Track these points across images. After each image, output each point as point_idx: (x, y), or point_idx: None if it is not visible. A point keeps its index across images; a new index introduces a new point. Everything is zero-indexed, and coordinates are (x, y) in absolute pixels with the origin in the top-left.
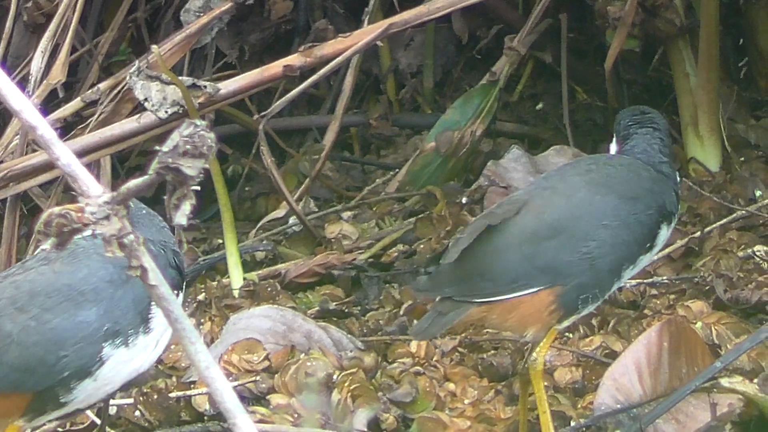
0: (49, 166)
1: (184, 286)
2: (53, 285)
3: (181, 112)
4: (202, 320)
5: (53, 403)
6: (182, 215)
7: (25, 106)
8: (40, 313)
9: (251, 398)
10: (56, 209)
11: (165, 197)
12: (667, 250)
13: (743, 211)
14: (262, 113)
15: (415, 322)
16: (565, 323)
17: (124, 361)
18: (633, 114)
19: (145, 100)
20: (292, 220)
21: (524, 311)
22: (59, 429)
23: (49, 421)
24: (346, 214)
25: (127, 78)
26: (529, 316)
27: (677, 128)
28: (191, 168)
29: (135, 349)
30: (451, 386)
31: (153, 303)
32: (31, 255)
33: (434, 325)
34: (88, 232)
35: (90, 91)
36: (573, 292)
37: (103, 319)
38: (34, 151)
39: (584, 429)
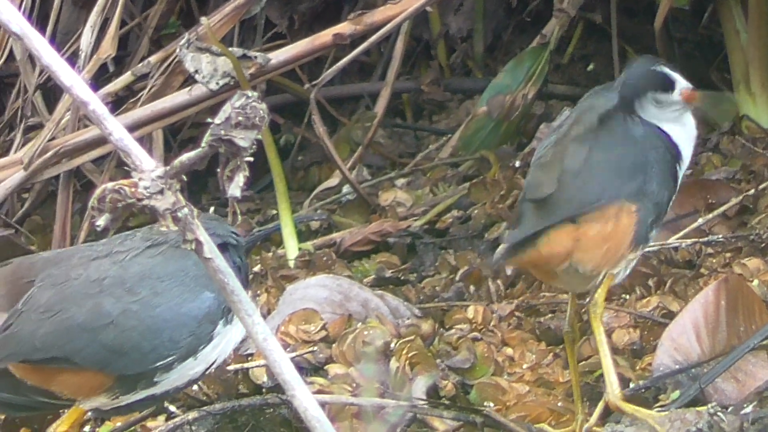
0: (101, 141)
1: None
2: (167, 267)
3: (232, 83)
4: (259, 292)
5: (145, 382)
6: (236, 187)
7: (75, 82)
8: (148, 296)
9: (309, 369)
10: (110, 184)
11: (218, 169)
12: (722, 209)
13: None
14: (313, 82)
15: (471, 287)
16: (636, 254)
17: (218, 345)
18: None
19: (196, 72)
20: (345, 188)
21: (606, 232)
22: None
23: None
24: (400, 181)
25: (177, 51)
26: (610, 238)
27: (729, 86)
28: (244, 139)
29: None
30: (509, 351)
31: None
32: (100, 234)
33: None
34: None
35: (140, 64)
36: (647, 212)
37: (211, 304)
38: (86, 126)
39: (643, 390)
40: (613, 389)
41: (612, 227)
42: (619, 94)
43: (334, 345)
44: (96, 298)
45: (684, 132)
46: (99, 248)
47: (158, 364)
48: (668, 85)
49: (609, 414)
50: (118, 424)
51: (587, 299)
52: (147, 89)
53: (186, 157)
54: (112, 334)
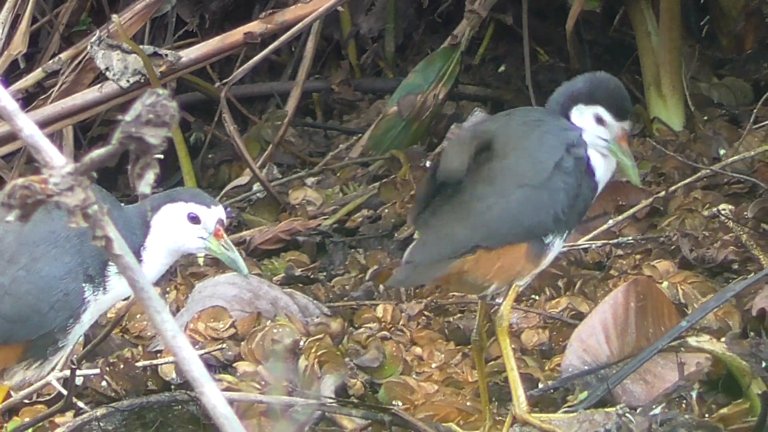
0: (11, 137)
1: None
2: (37, 233)
3: (142, 81)
4: (168, 289)
5: (53, 346)
6: (146, 184)
7: None
8: (30, 262)
9: (218, 366)
10: (19, 180)
11: (128, 167)
12: (632, 210)
13: (707, 170)
14: (224, 81)
15: (381, 287)
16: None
17: (105, 301)
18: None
19: (107, 69)
20: (255, 186)
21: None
22: (26, 401)
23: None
24: (310, 180)
25: (88, 48)
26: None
27: (640, 88)
28: (154, 137)
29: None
30: (418, 350)
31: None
32: None
33: (415, 275)
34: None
35: (51, 61)
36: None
37: (85, 260)
38: None
39: (552, 391)
40: (519, 402)
41: (507, 258)
42: (564, 92)
43: (242, 343)
44: None
45: (605, 162)
46: None
47: (58, 322)
48: (620, 112)
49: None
50: (26, 419)
51: (494, 308)
52: (58, 86)
53: (96, 154)
54: (9, 304)
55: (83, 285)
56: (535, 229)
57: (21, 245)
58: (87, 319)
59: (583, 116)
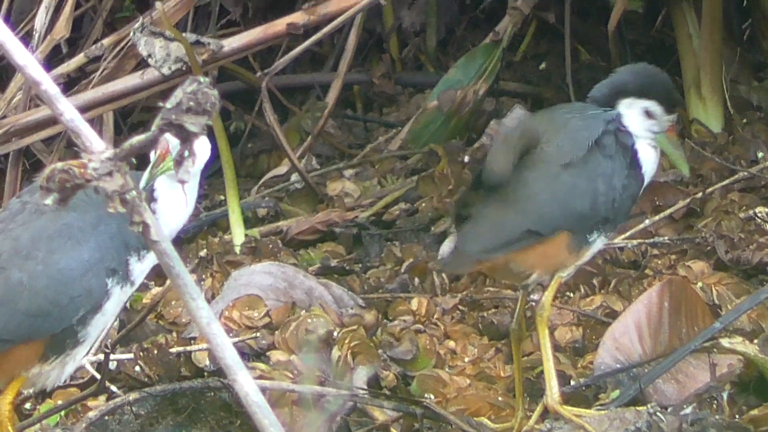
0: (52, 121)
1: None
2: (52, 226)
3: (184, 68)
4: (204, 276)
5: (72, 339)
6: (185, 171)
7: (28, 62)
8: (47, 256)
9: (251, 354)
10: (59, 165)
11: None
12: (668, 211)
13: (745, 173)
14: (266, 70)
15: (416, 280)
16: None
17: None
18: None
19: (149, 56)
20: (294, 177)
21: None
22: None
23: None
24: (348, 172)
25: (131, 34)
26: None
27: (680, 90)
28: (194, 125)
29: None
30: (452, 344)
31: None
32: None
33: (461, 261)
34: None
35: (93, 46)
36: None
37: (104, 252)
38: (37, 106)
39: (584, 388)
40: (552, 393)
41: (550, 248)
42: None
43: (276, 332)
44: (1, 274)
45: (654, 155)
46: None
47: (80, 314)
48: (670, 105)
49: (547, 415)
50: (59, 402)
51: (535, 299)
52: (99, 71)
53: (136, 140)
54: (28, 299)
55: (104, 277)
56: (584, 211)
57: (37, 240)
58: (110, 310)
59: (631, 109)
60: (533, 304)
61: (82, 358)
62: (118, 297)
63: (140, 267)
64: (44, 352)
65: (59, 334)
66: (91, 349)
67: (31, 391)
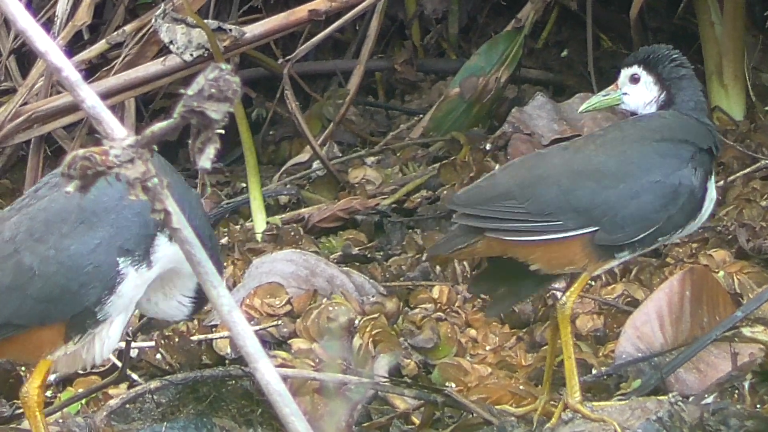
0: (73, 108)
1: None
2: (66, 209)
3: (206, 55)
4: (225, 264)
5: (91, 320)
6: (206, 159)
7: (50, 48)
8: (59, 240)
9: (273, 342)
10: (80, 151)
11: (189, 141)
12: None
13: (767, 161)
14: (287, 57)
15: (437, 268)
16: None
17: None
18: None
19: (171, 42)
20: (315, 164)
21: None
22: (80, 371)
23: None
24: (370, 159)
25: (153, 20)
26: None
27: (702, 77)
28: (216, 111)
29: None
30: (473, 332)
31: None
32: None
33: (447, 243)
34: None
35: (115, 33)
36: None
37: (118, 234)
38: (58, 92)
39: (605, 377)
40: (572, 392)
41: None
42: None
43: (298, 320)
44: (14, 257)
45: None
46: (16, 205)
47: (93, 298)
48: None
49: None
50: (80, 390)
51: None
52: (121, 58)
53: (157, 127)
54: (39, 284)
55: (117, 258)
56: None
57: (51, 223)
58: (128, 292)
59: None
60: (556, 293)
61: (118, 336)
62: (133, 279)
63: (171, 249)
64: (66, 333)
65: (78, 315)
66: (127, 328)
67: (52, 378)
